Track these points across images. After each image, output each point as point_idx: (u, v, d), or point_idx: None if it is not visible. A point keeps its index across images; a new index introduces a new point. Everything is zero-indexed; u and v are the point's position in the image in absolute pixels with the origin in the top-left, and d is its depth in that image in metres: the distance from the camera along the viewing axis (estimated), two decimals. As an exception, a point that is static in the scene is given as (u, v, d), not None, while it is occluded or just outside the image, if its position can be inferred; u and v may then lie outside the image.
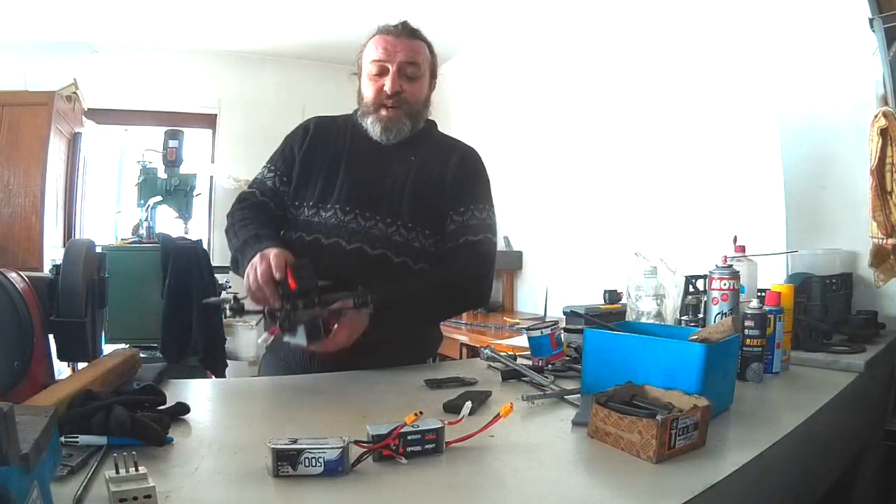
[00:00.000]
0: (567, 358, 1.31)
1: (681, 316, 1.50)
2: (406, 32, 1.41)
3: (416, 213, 1.36)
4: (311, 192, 1.39)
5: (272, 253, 1.16)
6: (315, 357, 1.31)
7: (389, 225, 1.35)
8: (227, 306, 1.16)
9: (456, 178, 1.41)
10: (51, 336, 0.95)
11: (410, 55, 1.39)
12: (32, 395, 0.81)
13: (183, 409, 0.89)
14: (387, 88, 1.37)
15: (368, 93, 1.40)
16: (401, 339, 1.34)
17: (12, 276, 0.88)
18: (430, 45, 1.46)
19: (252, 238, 1.28)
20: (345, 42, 4.28)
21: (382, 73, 1.38)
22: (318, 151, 1.43)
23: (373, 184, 1.38)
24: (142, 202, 3.20)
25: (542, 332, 1.29)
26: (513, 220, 3.83)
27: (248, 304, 1.19)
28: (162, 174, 3.23)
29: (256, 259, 1.17)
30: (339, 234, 1.34)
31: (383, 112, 1.39)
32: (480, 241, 1.38)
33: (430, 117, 1.50)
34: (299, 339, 1.14)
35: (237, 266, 1.31)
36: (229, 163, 4.60)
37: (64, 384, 0.86)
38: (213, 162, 4.64)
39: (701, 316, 1.45)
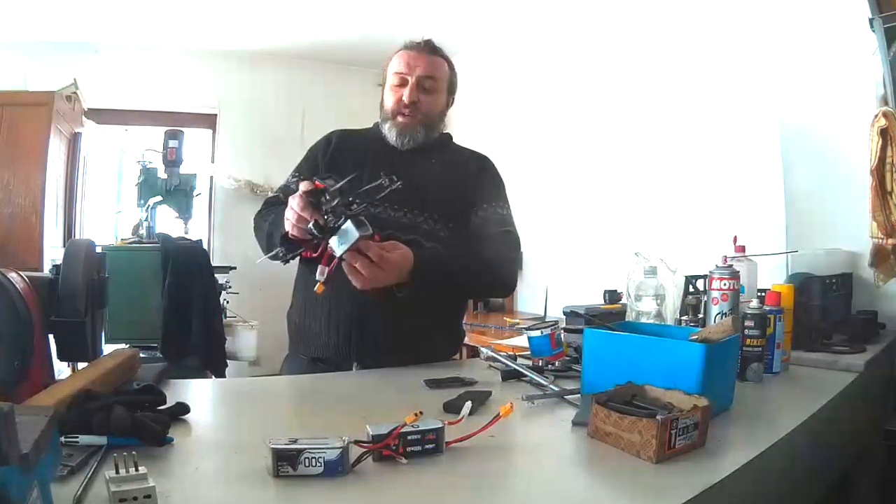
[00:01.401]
0: (567, 358, 1.31)
1: (681, 316, 1.50)
2: (427, 49, 1.52)
3: (440, 207, 1.44)
4: None
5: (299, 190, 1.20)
6: (352, 339, 1.35)
7: (417, 216, 1.43)
8: (280, 253, 1.18)
9: (477, 180, 1.53)
10: (51, 336, 0.95)
11: (429, 70, 1.50)
12: (32, 395, 0.81)
13: (183, 409, 0.89)
14: (405, 98, 1.48)
15: (389, 101, 1.51)
16: (430, 329, 1.41)
17: (12, 276, 0.87)
18: (450, 63, 1.57)
19: (276, 216, 1.34)
20: (345, 42, 4.32)
21: (402, 84, 1.49)
22: (342, 157, 1.52)
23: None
24: (142, 202, 3.19)
25: (542, 332, 1.29)
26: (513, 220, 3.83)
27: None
28: (162, 174, 3.23)
29: (289, 202, 1.20)
30: (372, 225, 1.36)
31: (400, 119, 1.49)
32: (507, 232, 1.49)
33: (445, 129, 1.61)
34: (349, 236, 1.11)
35: (271, 245, 1.34)
36: (229, 163, 4.60)
37: (64, 384, 0.86)
38: (213, 162, 4.64)
39: (701, 316, 1.45)
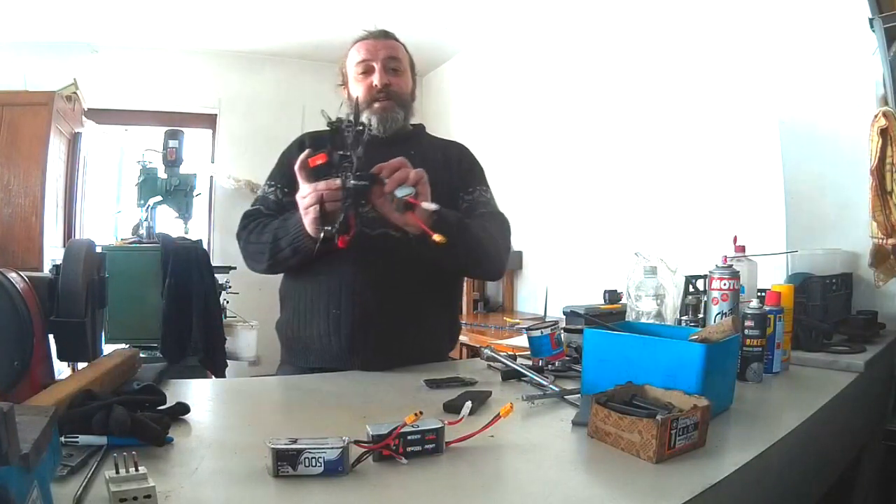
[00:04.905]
0: (567, 358, 1.31)
1: (681, 316, 1.50)
2: (383, 35, 1.52)
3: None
4: None
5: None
6: (354, 344, 1.32)
7: None
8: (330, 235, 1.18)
9: (459, 165, 1.52)
10: (51, 336, 0.95)
11: (392, 52, 1.49)
12: (32, 395, 0.81)
13: (183, 409, 0.89)
14: (376, 82, 1.45)
15: (359, 92, 1.47)
16: (431, 325, 1.40)
17: (12, 276, 0.87)
18: (405, 46, 1.56)
19: (280, 221, 1.33)
20: (345, 42, 4.29)
21: (368, 71, 1.47)
22: None
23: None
24: (142, 202, 3.19)
25: (542, 332, 1.29)
26: (513, 220, 3.82)
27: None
28: (162, 174, 3.23)
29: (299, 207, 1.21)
30: (361, 224, 1.31)
31: (376, 105, 1.45)
32: (497, 213, 1.49)
33: (423, 119, 1.60)
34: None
35: (275, 256, 1.33)
36: (229, 163, 4.60)
37: (64, 384, 0.86)
38: (213, 162, 4.64)
39: (701, 316, 1.45)
